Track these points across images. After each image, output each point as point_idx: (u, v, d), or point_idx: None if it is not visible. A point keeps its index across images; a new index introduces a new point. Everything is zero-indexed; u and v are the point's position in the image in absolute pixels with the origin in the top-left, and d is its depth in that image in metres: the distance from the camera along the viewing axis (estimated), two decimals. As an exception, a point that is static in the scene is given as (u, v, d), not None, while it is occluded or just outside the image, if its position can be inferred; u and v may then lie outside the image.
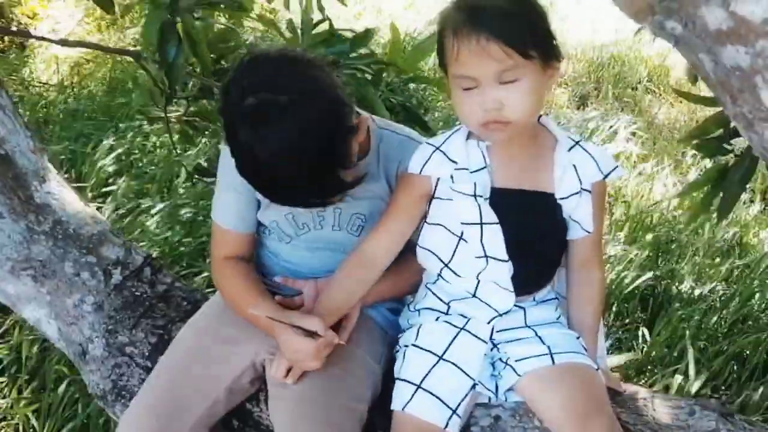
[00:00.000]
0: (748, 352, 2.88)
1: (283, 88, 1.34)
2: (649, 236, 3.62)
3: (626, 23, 6.70)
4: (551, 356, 1.51)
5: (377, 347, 1.63)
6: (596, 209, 1.55)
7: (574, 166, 1.52)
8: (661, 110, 5.94)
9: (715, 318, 3.06)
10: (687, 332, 2.87)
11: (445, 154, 1.51)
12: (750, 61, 1.15)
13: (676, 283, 3.30)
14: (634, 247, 3.50)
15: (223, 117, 1.41)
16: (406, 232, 1.58)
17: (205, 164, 3.55)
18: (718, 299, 3.18)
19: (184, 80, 2.78)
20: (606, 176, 1.54)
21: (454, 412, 1.45)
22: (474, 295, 1.56)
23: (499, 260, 1.51)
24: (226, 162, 1.53)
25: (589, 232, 1.55)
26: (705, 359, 2.81)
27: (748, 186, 4.13)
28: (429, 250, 1.58)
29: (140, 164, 3.89)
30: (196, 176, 3.40)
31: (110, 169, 3.71)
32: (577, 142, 1.54)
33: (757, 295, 3.23)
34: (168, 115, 3.06)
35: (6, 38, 4.77)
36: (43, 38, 3.03)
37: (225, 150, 1.51)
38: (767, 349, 2.86)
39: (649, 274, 3.25)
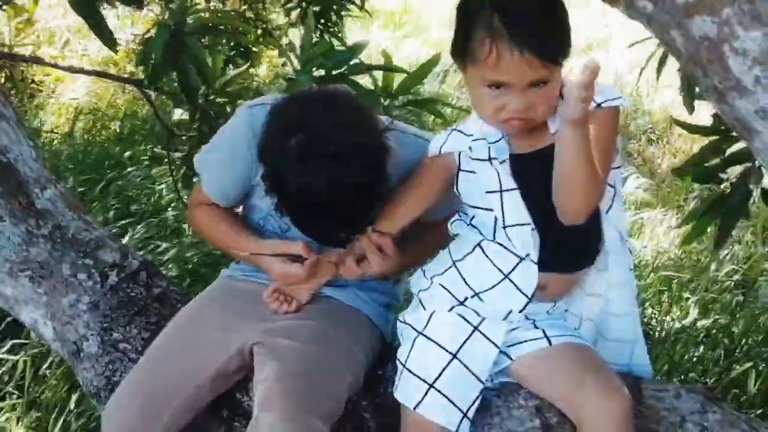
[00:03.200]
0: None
1: (331, 126, 1.41)
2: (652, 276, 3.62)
3: (628, 74, 6.82)
4: (547, 339, 1.51)
5: (364, 339, 1.64)
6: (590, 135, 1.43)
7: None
8: (664, 160, 5.99)
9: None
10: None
11: (461, 131, 1.54)
12: (717, 30, 1.20)
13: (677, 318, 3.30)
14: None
15: (268, 148, 1.46)
16: (423, 206, 1.59)
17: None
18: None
19: (185, 109, 2.84)
20: (600, 105, 1.44)
21: (465, 415, 1.46)
22: (506, 276, 1.53)
23: (523, 224, 1.50)
24: (237, 130, 1.60)
25: None
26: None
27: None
28: (473, 226, 1.58)
29: (147, 210, 3.92)
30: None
31: (111, 214, 3.73)
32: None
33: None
34: (172, 155, 3.12)
35: (14, 90, 4.87)
36: (51, 64, 3.12)
37: (239, 115, 1.58)
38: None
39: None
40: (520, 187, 1.49)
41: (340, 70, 2.29)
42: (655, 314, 3.31)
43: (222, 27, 2.68)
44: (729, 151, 2.37)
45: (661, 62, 2.94)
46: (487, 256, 1.54)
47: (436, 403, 1.45)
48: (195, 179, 2.56)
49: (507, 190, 1.49)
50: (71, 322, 1.84)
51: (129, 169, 4.18)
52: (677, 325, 3.25)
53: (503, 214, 1.50)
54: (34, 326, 1.92)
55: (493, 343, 1.51)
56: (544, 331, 1.53)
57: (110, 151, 4.38)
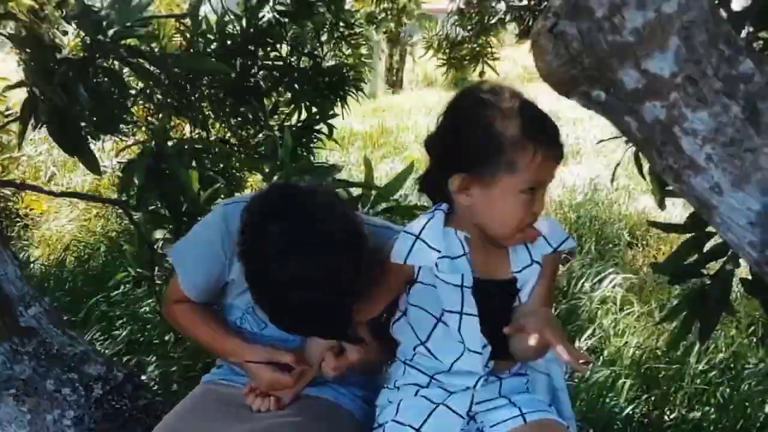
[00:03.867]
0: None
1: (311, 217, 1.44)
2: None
3: (600, 180, 7.00)
4: (522, 416, 1.54)
5: (343, 429, 1.64)
6: (546, 280, 1.59)
7: (525, 243, 1.58)
8: (644, 262, 6.06)
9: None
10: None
11: (425, 242, 1.56)
12: (666, 114, 1.28)
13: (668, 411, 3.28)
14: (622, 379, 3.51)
15: (248, 245, 1.45)
16: (381, 308, 1.65)
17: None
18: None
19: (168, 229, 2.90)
20: (555, 249, 1.58)
21: None
22: (449, 371, 1.60)
23: (474, 352, 1.56)
24: (211, 226, 1.65)
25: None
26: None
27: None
28: (410, 326, 1.63)
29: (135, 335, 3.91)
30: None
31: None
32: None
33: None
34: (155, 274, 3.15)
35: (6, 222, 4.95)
36: (34, 188, 3.19)
37: (214, 212, 1.64)
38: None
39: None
40: (479, 312, 1.54)
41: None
42: (641, 410, 3.30)
43: (203, 149, 2.77)
44: (708, 246, 2.42)
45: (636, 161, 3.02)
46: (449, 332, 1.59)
47: None
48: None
49: (467, 314, 1.55)
50: (55, 439, 1.83)
51: (114, 293, 4.20)
52: (666, 419, 3.23)
53: (461, 335, 1.55)
54: (18, 446, 1.90)
55: (458, 414, 1.55)
56: (520, 409, 1.56)
57: (98, 277, 4.41)
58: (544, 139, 1.44)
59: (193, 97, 3.07)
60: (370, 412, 1.71)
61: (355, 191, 2.54)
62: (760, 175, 1.26)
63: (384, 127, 9.37)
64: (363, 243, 1.46)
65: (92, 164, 2.60)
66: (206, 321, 1.71)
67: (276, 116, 3.78)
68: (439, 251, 1.54)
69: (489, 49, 5.72)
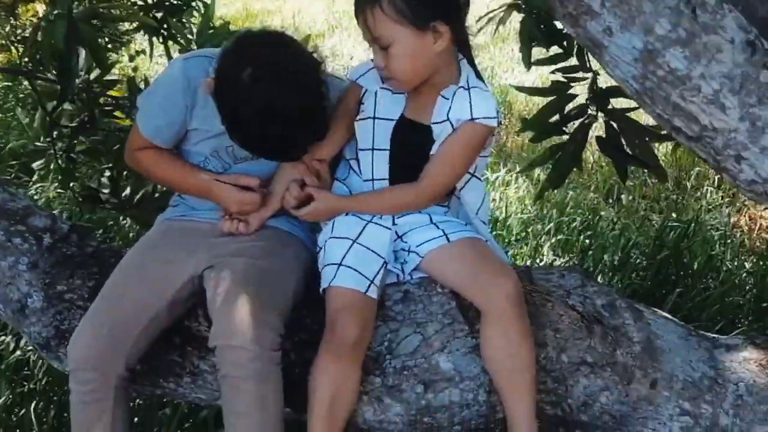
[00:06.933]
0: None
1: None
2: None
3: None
4: (446, 236, 1.81)
5: (302, 256, 1.88)
6: (452, 144, 1.78)
7: (450, 100, 1.78)
8: (509, 139, 6.47)
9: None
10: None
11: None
12: (568, -34, 1.52)
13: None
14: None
15: (225, 80, 1.67)
16: (349, 132, 1.89)
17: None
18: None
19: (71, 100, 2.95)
20: (472, 119, 1.76)
21: (372, 281, 1.73)
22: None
23: (380, 180, 1.85)
24: (171, 78, 1.81)
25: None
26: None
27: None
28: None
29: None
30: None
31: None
32: (468, 88, 1.79)
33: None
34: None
35: None
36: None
37: (173, 65, 1.79)
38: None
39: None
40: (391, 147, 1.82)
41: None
42: (517, 259, 3.71)
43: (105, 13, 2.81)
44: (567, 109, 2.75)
45: (501, 22, 3.27)
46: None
47: (346, 275, 1.73)
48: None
49: (378, 150, 1.82)
50: (13, 282, 1.96)
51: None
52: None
53: (372, 168, 1.84)
54: (-26, 295, 2.01)
55: (385, 227, 1.84)
56: (443, 231, 1.82)
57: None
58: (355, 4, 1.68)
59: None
60: (315, 239, 1.94)
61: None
62: (642, 18, 1.54)
63: (249, 11, 9.28)
64: (321, 81, 1.71)
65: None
66: (172, 160, 1.88)
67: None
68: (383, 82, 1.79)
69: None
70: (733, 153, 1.62)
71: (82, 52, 2.65)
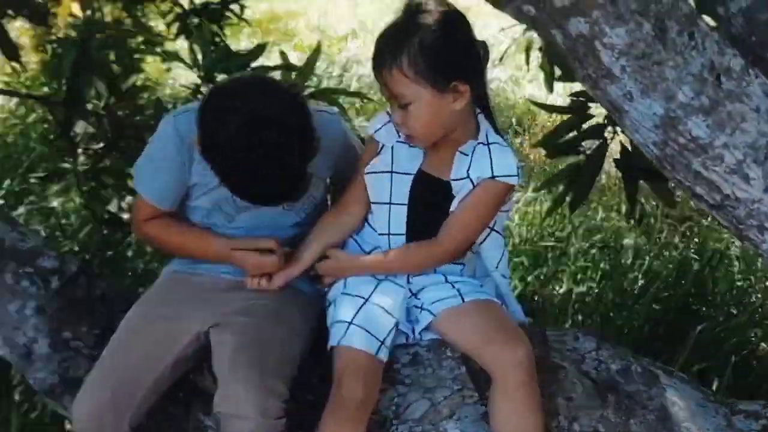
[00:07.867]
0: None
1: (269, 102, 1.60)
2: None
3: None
4: (461, 296, 1.77)
5: (308, 313, 1.85)
6: (472, 203, 1.75)
7: (469, 156, 1.75)
8: (529, 152, 6.40)
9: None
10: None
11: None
12: (589, 29, 1.48)
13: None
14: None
15: (208, 124, 1.61)
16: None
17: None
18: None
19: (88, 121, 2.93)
20: (493, 177, 1.72)
21: (382, 343, 1.69)
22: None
23: (396, 235, 1.81)
24: (164, 138, 1.77)
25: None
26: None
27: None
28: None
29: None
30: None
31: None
32: (488, 144, 1.75)
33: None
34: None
35: None
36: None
37: (164, 124, 1.75)
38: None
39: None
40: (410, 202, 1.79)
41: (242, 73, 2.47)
42: (531, 287, 3.64)
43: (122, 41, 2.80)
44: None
45: (527, 51, 3.24)
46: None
47: (357, 334, 1.69)
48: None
49: (396, 204, 1.80)
50: (19, 327, 1.94)
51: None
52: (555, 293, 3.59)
53: (389, 222, 1.82)
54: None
55: (400, 285, 1.80)
56: (458, 290, 1.78)
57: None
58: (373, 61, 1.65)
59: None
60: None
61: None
62: (664, 85, 1.49)
63: (274, 13, 9.24)
64: (309, 116, 1.64)
65: (8, 47, 2.57)
66: (182, 228, 1.85)
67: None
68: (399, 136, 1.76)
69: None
70: (755, 223, 1.57)
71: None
